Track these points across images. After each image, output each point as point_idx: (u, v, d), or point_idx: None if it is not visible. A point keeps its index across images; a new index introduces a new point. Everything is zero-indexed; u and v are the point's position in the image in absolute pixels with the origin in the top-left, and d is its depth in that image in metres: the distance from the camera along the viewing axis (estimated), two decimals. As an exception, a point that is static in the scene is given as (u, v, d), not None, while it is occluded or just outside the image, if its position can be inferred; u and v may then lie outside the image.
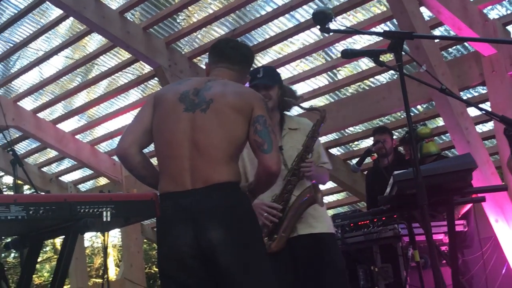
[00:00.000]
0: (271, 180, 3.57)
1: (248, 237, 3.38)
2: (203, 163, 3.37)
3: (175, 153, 3.42)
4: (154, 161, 3.76)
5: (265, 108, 3.54)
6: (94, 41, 9.72)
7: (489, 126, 8.66)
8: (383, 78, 8.63)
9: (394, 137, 7.24)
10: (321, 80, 8.85)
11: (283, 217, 4.43)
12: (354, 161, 7.26)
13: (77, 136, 11.56)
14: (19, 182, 11.94)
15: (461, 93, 7.65)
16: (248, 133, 3.46)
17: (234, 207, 3.37)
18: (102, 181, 12.70)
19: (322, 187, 4.72)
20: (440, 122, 8.76)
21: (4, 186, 18.95)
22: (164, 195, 3.43)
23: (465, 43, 7.73)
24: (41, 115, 11.24)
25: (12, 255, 19.63)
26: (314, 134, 4.55)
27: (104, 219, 3.07)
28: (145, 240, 14.75)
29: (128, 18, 8.76)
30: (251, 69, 4.12)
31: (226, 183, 3.37)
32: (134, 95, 10.42)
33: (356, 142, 9.83)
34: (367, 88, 8.82)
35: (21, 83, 10.87)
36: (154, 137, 3.56)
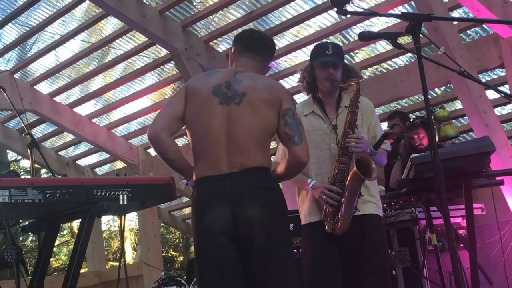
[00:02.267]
0: (300, 169, 3.91)
1: (282, 217, 3.70)
2: (239, 151, 3.63)
3: (212, 143, 3.67)
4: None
5: (292, 101, 3.82)
6: (110, 24, 9.71)
7: (508, 109, 8.60)
8: (401, 61, 8.58)
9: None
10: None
11: (342, 198, 4.35)
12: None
13: (94, 120, 11.58)
14: (36, 166, 12.00)
15: (479, 75, 7.59)
16: (278, 125, 3.72)
17: (271, 189, 3.69)
18: (119, 164, 12.73)
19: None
20: (458, 105, 8.70)
21: (22, 170, 19.07)
22: (202, 179, 3.68)
23: (484, 25, 7.66)
24: (57, 99, 11.25)
25: (30, 238, 19.78)
26: (353, 108, 4.43)
27: (121, 203, 3.09)
28: (162, 224, 14.80)
29: (144, 1, 8.74)
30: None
31: (261, 167, 3.67)
32: (151, 78, 10.42)
33: (373, 126, 9.79)
34: (384, 71, 8.77)
35: (38, 67, 10.89)
36: (189, 128, 3.79)
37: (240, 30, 8.76)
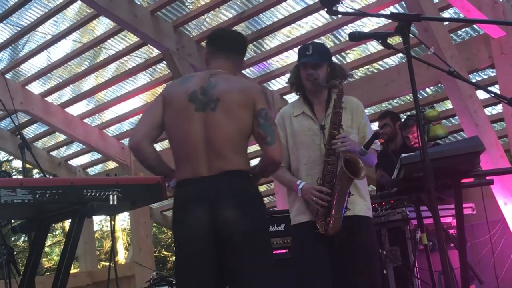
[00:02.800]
0: (275, 169, 4.01)
1: (260, 219, 3.76)
2: (217, 156, 3.71)
3: (191, 149, 3.74)
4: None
5: (266, 101, 3.86)
6: (102, 24, 9.70)
7: (498, 109, 8.61)
8: (392, 61, 8.60)
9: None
10: (331, 62, 8.80)
11: (331, 198, 4.37)
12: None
13: (86, 120, 11.56)
14: (28, 166, 11.98)
15: (470, 75, 7.61)
16: (253, 125, 3.79)
17: (248, 191, 3.75)
18: (111, 165, 12.71)
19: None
20: (449, 105, 8.72)
21: (14, 170, 19.03)
22: (182, 181, 3.76)
23: (474, 26, 7.68)
24: (49, 99, 11.23)
25: (22, 238, 19.74)
26: (336, 109, 4.45)
27: (111, 203, 3.09)
28: (154, 224, 14.79)
29: (136, 1, 8.73)
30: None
31: (239, 170, 3.74)
32: (143, 78, 10.41)
33: (364, 126, 9.79)
34: (375, 71, 8.79)
35: (29, 67, 10.86)
36: (169, 134, 3.89)
37: (231, 30, 8.80)
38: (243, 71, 9.23)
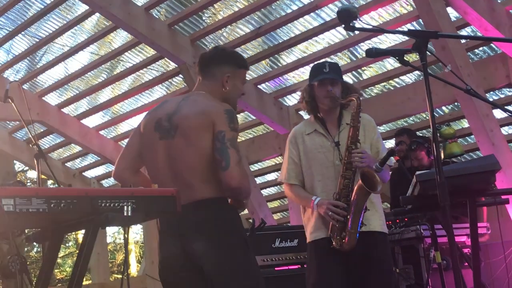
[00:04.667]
0: (235, 195, 3.68)
1: (228, 247, 3.58)
2: (184, 186, 3.55)
3: (161, 180, 3.63)
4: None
5: (229, 122, 3.61)
6: (120, 37, 9.77)
7: (514, 128, 8.58)
8: (409, 78, 8.59)
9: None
10: (346, 79, 8.78)
11: (347, 213, 4.35)
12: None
13: (101, 132, 11.62)
14: (43, 176, 12.01)
15: (486, 94, 7.59)
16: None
17: (215, 220, 3.58)
18: (125, 177, 12.73)
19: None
20: (465, 123, 8.69)
21: (29, 181, 19.11)
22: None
23: (492, 44, 7.67)
24: (65, 110, 11.30)
25: (35, 249, 19.79)
26: (354, 123, 4.45)
27: (125, 214, 3.08)
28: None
29: (154, 14, 8.78)
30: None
31: (206, 200, 3.59)
32: (159, 91, 10.45)
33: (380, 143, 9.76)
34: (392, 88, 8.77)
35: (47, 78, 10.94)
36: (144, 164, 3.86)
37: (248, 45, 8.83)
38: (259, 86, 9.26)
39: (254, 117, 9.77)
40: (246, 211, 4.02)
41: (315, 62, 4.87)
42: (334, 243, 4.38)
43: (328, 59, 8.61)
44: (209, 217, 3.58)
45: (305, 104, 4.71)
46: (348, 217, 4.35)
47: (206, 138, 3.59)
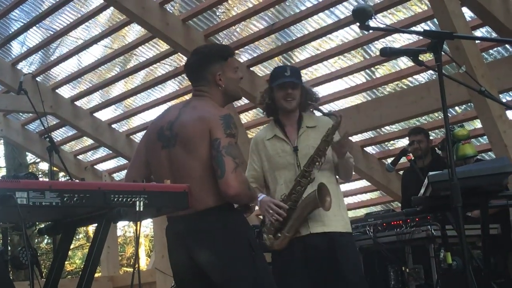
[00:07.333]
0: (235, 201, 3.69)
1: (232, 256, 3.59)
2: None
3: None
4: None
5: (222, 127, 3.59)
6: (134, 31, 9.78)
7: (527, 130, 8.53)
8: (422, 78, 8.56)
9: (431, 138, 7.18)
10: (359, 78, 8.79)
11: (289, 217, 4.41)
12: (389, 160, 7.23)
13: (113, 126, 11.64)
14: (55, 169, 12.06)
15: (500, 95, 7.56)
16: None
17: (218, 230, 3.59)
18: (137, 171, 12.75)
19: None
20: (478, 124, 8.65)
21: (40, 173, 19.17)
22: (168, 217, 3.78)
23: (506, 45, 7.63)
24: (78, 103, 11.33)
25: (46, 241, 19.86)
26: (327, 138, 4.47)
27: (137, 209, 3.09)
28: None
29: (168, 9, 8.79)
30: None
31: (208, 209, 3.59)
32: (171, 86, 10.46)
33: (392, 142, 9.75)
34: (405, 87, 8.74)
35: (60, 71, 10.97)
36: (151, 172, 3.86)
37: (261, 41, 8.82)
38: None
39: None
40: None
41: (276, 66, 4.97)
42: (265, 240, 4.44)
43: (342, 57, 8.62)
44: (212, 228, 3.60)
45: (265, 106, 4.75)
46: (288, 220, 4.40)
47: (204, 146, 3.59)
